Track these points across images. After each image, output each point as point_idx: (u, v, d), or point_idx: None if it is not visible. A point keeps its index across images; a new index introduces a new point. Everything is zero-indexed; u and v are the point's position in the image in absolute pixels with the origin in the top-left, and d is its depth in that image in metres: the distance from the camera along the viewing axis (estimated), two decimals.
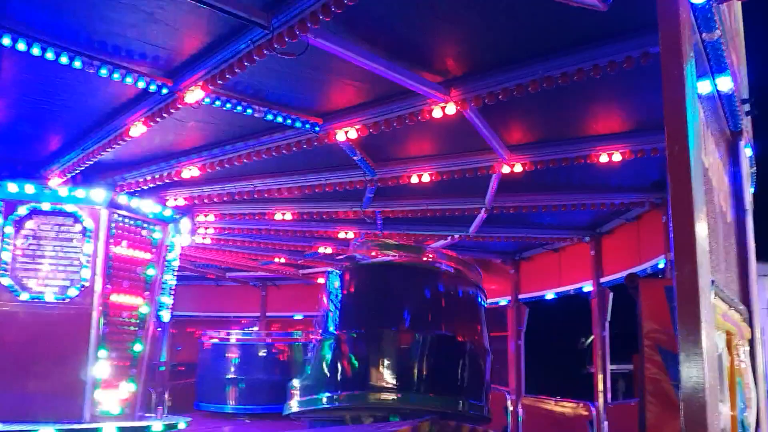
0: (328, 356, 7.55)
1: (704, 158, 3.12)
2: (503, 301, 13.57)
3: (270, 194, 8.75)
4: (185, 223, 9.52)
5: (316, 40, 4.88)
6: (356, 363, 7.24)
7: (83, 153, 7.32)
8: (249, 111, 6.29)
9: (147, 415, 9.29)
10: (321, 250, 12.75)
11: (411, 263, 8.07)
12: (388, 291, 7.71)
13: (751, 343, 4.54)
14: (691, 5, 2.98)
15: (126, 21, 4.97)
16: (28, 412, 7.65)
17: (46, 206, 8.16)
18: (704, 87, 3.44)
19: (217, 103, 6.10)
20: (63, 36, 5.14)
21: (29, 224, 8.12)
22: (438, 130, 7.01)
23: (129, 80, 5.61)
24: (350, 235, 11.23)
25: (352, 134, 6.71)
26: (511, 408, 12.42)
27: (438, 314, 7.71)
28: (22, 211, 8.08)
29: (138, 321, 8.68)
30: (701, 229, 2.57)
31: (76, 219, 8.25)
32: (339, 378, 7.34)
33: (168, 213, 9.11)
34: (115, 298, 8.43)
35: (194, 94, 5.74)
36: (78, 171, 7.90)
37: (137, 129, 6.52)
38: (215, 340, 15.30)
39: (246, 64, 5.14)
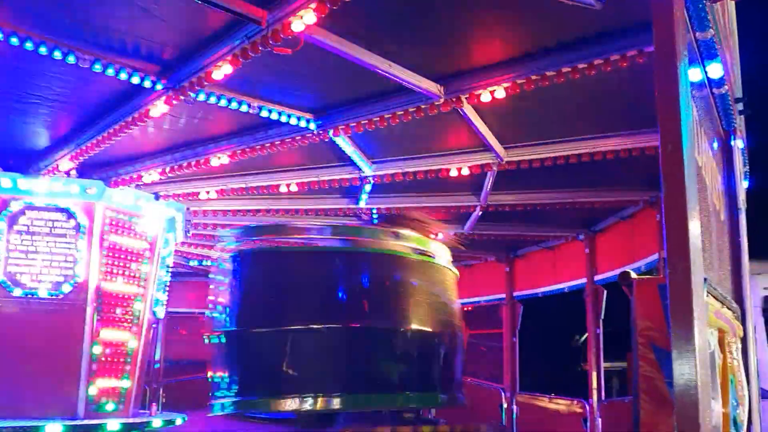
0: (230, 356, 6.54)
1: (698, 157, 3.13)
2: (498, 299, 13.61)
3: (262, 190, 8.75)
4: (179, 219, 9.51)
5: (311, 37, 4.88)
6: (263, 363, 5.98)
7: (77, 148, 7.30)
8: (244, 107, 6.29)
9: (141, 411, 9.28)
10: None
11: (309, 248, 6.62)
12: (285, 281, 6.30)
13: (744, 340, 4.56)
14: (686, 4, 2.99)
15: (120, 16, 4.96)
16: (20, 409, 7.63)
17: (39, 202, 8.14)
18: (694, 75, 3.44)
19: (212, 99, 6.10)
20: (56, 31, 5.12)
21: (23, 219, 8.10)
22: (432, 127, 7.02)
23: (123, 76, 5.59)
24: None
25: (348, 131, 6.72)
26: (505, 405, 12.44)
27: (356, 302, 6.25)
28: (15, 206, 8.06)
29: (132, 317, 8.66)
30: (694, 227, 2.58)
31: (70, 215, 8.23)
32: (240, 381, 6.30)
33: (162, 209, 9.10)
34: (109, 294, 8.42)
35: (188, 90, 5.73)
36: (72, 166, 7.88)
37: (131, 125, 6.51)
38: None
39: (241, 60, 5.13)
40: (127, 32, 5.21)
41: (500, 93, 5.74)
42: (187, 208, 9.68)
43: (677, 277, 2.50)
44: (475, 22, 5.18)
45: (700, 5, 3.18)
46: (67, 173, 8.14)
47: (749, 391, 4.47)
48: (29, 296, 7.98)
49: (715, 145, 4.49)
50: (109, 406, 8.28)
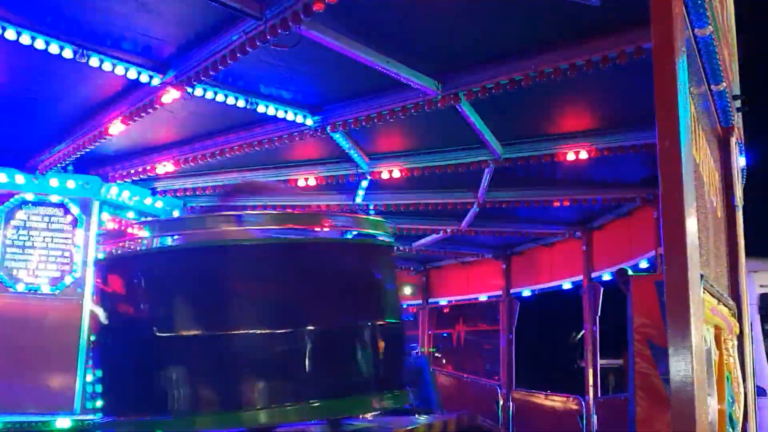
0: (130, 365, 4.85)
1: (695, 153, 3.13)
2: (495, 296, 13.62)
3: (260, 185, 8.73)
4: (176, 215, 9.49)
5: (310, 32, 4.88)
6: (167, 376, 4.57)
7: (74, 143, 7.29)
8: (240, 103, 6.29)
9: None
10: None
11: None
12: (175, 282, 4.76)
13: (740, 338, 4.57)
14: (684, 0, 2.99)
15: (117, 10, 4.94)
16: (19, 404, 7.62)
17: (36, 197, 8.13)
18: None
19: (209, 94, 6.09)
20: (52, 25, 5.10)
21: (19, 215, 8.08)
22: (430, 123, 7.02)
23: (119, 71, 5.58)
24: None
25: (346, 127, 6.72)
26: (501, 402, 12.47)
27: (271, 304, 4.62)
28: (12, 201, 8.04)
29: None
30: (691, 224, 2.58)
31: (67, 210, 8.22)
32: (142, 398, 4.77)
33: (159, 204, 9.09)
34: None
35: (185, 86, 5.72)
36: (68, 161, 7.87)
37: (128, 120, 6.49)
38: None
39: (238, 55, 5.12)
40: (125, 27, 5.20)
41: (498, 89, 5.73)
42: (184, 204, 9.67)
43: (674, 274, 2.50)
44: (473, 19, 5.17)
45: (699, 1, 3.18)
46: (64, 168, 8.12)
47: (745, 388, 4.48)
48: (27, 291, 7.96)
49: (713, 141, 4.49)
50: None
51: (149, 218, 8.74)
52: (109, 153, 8.01)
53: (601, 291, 10.91)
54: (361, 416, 5.41)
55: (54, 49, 5.19)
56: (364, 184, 8.73)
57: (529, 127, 7.33)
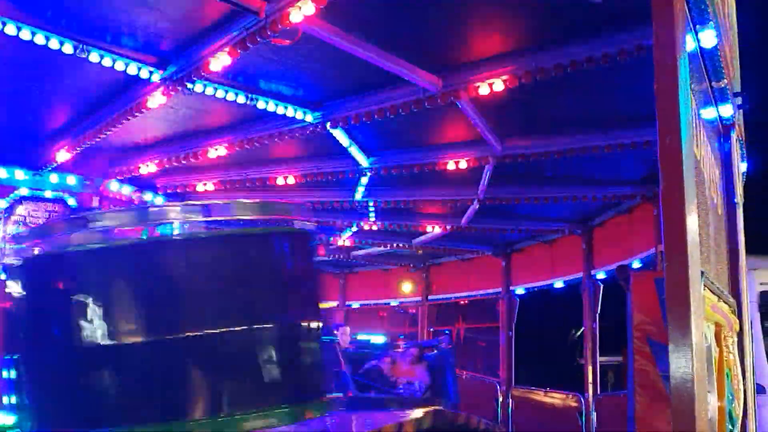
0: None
1: (696, 150, 3.12)
2: (495, 293, 13.63)
3: (261, 183, 8.74)
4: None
5: (310, 28, 4.87)
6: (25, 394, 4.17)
7: (74, 139, 7.28)
8: (241, 99, 6.28)
9: None
10: None
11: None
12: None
13: (740, 335, 4.57)
14: None
15: (117, 6, 4.94)
16: None
17: (36, 193, 8.12)
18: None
19: (209, 90, 6.08)
20: (53, 20, 5.09)
21: (20, 210, 8.07)
22: (430, 120, 7.01)
23: (119, 66, 5.57)
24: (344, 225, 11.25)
25: (346, 123, 6.71)
26: (501, 399, 12.48)
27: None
28: (12, 197, 8.03)
29: None
30: (692, 221, 2.57)
31: (67, 206, 8.22)
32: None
33: (160, 201, 9.08)
34: None
35: (185, 81, 5.71)
36: (69, 157, 7.85)
37: (129, 115, 6.48)
38: None
39: (239, 51, 5.11)
40: (125, 23, 5.19)
41: (499, 86, 5.73)
42: (185, 201, 9.67)
43: (675, 271, 2.50)
44: (475, 15, 5.17)
45: None
46: (64, 164, 8.11)
47: (745, 385, 4.48)
48: None
49: (713, 137, 4.49)
50: None
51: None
52: (109, 149, 8.00)
53: (601, 288, 10.92)
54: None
55: (54, 44, 5.18)
56: (364, 180, 8.73)
57: (530, 124, 7.32)
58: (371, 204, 9.76)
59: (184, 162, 7.92)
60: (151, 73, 5.72)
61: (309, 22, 4.75)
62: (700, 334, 2.53)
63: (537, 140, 7.41)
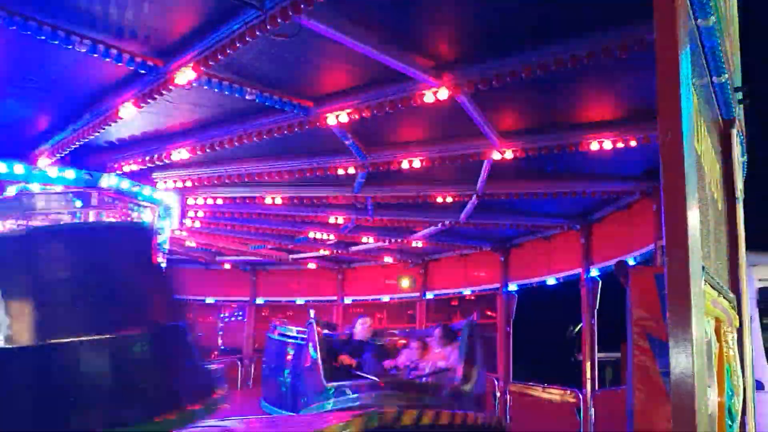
0: None
1: (697, 145, 3.12)
2: (493, 289, 13.64)
3: (260, 178, 8.73)
4: (175, 205, 9.49)
5: (310, 22, 4.85)
6: None
7: (73, 133, 7.26)
8: (240, 93, 6.26)
9: None
10: (311, 235, 12.79)
11: None
12: None
13: (740, 330, 4.56)
14: None
15: (119, 0, 4.92)
16: None
17: (35, 187, 8.11)
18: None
19: (208, 85, 6.06)
20: (51, 13, 5.07)
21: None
22: (430, 115, 7.00)
23: (119, 60, 5.56)
24: (340, 220, 11.23)
25: (344, 118, 6.69)
26: (498, 394, 12.49)
27: None
28: (11, 191, 8.02)
29: None
30: (693, 216, 2.57)
31: (66, 200, 8.20)
32: None
33: (158, 195, 9.07)
34: None
35: (185, 76, 5.69)
36: (67, 151, 7.84)
37: (127, 110, 6.47)
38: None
39: (238, 45, 5.10)
40: (126, 17, 5.17)
41: (498, 81, 5.72)
42: (183, 196, 9.65)
43: (675, 266, 2.50)
44: (474, 11, 5.16)
45: None
46: (63, 158, 8.09)
47: (744, 381, 4.48)
48: None
49: (714, 133, 4.48)
50: None
51: None
52: (107, 143, 7.99)
53: (600, 284, 10.93)
54: None
55: (55, 37, 5.15)
56: (363, 176, 8.72)
57: (529, 119, 7.31)
58: (370, 200, 9.76)
59: (183, 157, 7.90)
60: (150, 67, 5.71)
61: (308, 16, 4.73)
62: (700, 330, 2.53)
63: (536, 135, 7.40)
